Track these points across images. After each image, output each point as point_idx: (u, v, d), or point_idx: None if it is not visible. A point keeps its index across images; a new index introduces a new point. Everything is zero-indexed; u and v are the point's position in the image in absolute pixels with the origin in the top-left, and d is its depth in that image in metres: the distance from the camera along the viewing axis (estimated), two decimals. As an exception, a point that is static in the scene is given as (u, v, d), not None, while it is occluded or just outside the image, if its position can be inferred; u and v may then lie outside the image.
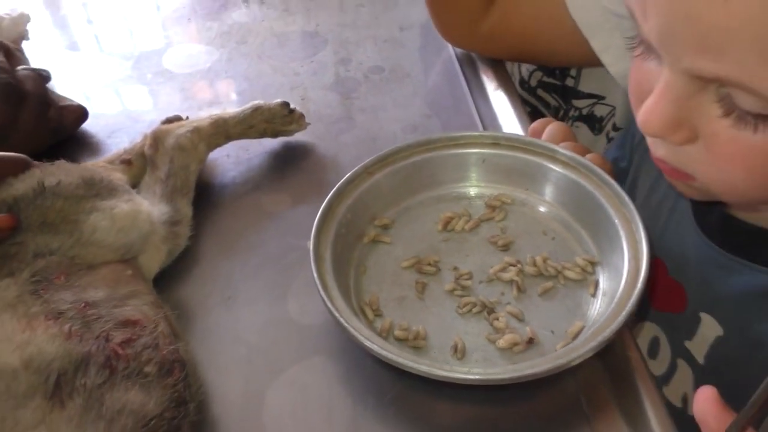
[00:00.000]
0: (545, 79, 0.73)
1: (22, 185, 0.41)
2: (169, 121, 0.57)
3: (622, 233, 0.43)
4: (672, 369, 0.52)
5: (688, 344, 0.50)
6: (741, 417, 0.29)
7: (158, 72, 0.69)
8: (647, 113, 0.38)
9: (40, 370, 0.31)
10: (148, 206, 0.45)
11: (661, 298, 0.53)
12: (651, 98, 0.37)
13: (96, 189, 0.42)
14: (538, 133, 0.52)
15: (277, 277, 0.48)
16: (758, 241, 0.45)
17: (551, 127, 0.52)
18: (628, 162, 0.60)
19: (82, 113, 0.60)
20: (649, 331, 0.54)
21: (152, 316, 0.37)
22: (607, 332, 0.37)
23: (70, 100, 0.60)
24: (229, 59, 0.70)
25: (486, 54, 0.66)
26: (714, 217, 0.47)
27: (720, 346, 0.47)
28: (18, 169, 0.42)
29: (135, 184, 0.50)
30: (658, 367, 0.53)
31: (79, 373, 0.32)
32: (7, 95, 0.53)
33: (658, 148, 0.41)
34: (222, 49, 0.71)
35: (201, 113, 0.58)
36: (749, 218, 0.46)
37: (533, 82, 0.75)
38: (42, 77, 0.57)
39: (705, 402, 0.32)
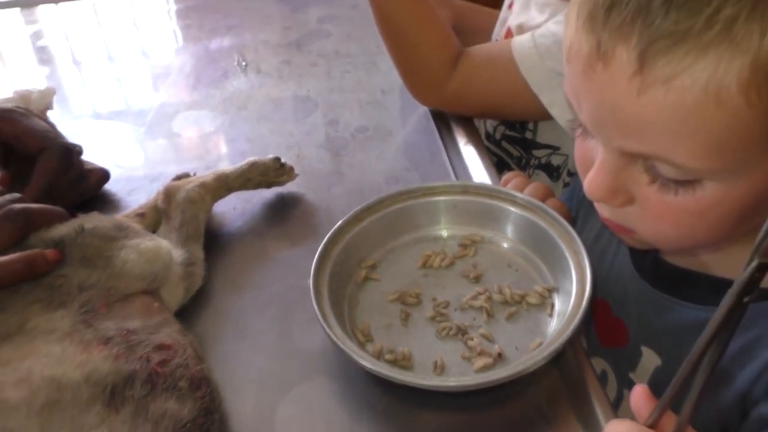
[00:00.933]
0: (508, 132, 0.82)
1: (65, 228, 0.48)
2: (178, 177, 0.65)
3: (571, 263, 0.51)
4: (619, 398, 0.58)
5: (631, 375, 0.56)
6: (662, 402, 0.36)
7: (169, 135, 0.77)
8: (590, 183, 0.45)
9: (98, 383, 0.38)
10: (167, 244, 0.52)
11: (606, 335, 0.60)
12: (592, 171, 0.45)
13: (125, 231, 0.50)
14: (506, 183, 0.61)
15: (281, 311, 0.55)
16: (684, 281, 0.52)
17: (519, 181, 0.61)
18: (575, 213, 0.67)
19: (104, 175, 0.68)
20: (597, 365, 0.60)
21: (181, 341, 0.45)
22: (557, 343, 0.45)
23: (93, 164, 0.68)
24: (232, 123, 0.79)
25: (454, 112, 0.75)
26: (648, 261, 0.55)
27: (659, 375, 0.53)
28: (60, 218, 0.50)
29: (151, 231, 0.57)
30: (608, 397, 0.60)
31: (127, 386, 0.39)
32: (63, 156, 0.61)
33: (603, 210, 0.49)
34: (225, 114, 0.80)
35: (209, 171, 0.66)
36: (677, 261, 0.53)
37: (498, 136, 0.84)
38: (77, 152, 0.65)
39: (638, 396, 0.38)
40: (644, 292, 0.55)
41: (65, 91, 0.87)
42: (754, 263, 0.27)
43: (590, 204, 0.61)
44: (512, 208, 0.56)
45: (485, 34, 0.90)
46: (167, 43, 0.98)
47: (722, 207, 0.42)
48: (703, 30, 0.36)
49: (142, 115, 0.81)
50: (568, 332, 0.45)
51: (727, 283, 0.49)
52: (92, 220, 0.50)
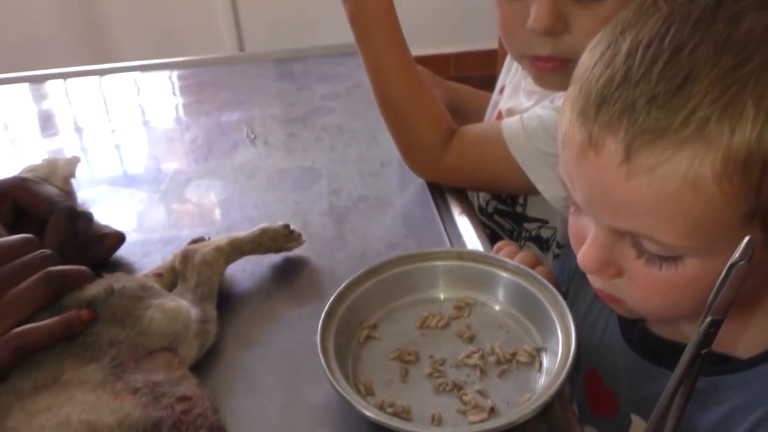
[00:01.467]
0: (499, 206, 0.88)
1: (95, 288, 0.52)
2: (194, 241, 0.69)
3: (557, 325, 0.56)
4: None
5: None
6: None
7: (182, 202, 0.82)
8: (583, 257, 0.50)
9: (131, 427, 0.42)
10: (187, 304, 0.57)
11: (597, 404, 0.64)
12: (585, 245, 0.50)
13: (150, 291, 0.55)
14: (499, 251, 0.66)
15: (289, 366, 0.59)
16: (670, 351, 0.56)
17: (510, 249, 0.66)
18: (567, 285, 0.72)
19: (119, 238, 0.73)
20: None
21: (200, 394, 0.49)
22: (545, 397, 0.49)
23: (110, 228, 0.73)
24: (241, 191, 0.84)
25: (448, 185, 0.81)
26: (636, 332, 0.59)
27: None
28: (88, 279, 0.55)
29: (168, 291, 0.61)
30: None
31: (156, 431, 0.43)
32: (70, 218, 0.65)
33: (595, 281, 0.54)
34: (235, 183, 0.86)
35: (221, 236, 0.71)
36: (663, 333, 0.58)
37: (490, 209, 0.90)
38: (86, 217, 0.68)
39: None
40: (633, 362, 0.59)
41: (84, 161, 0.93)
42: (708, 320, 0.32)
43: (582, 277, 0.67)
44: (503, 274, 0.62)
45: (478, 115, 0.98)
46: (181, 116, 1.04)
47: (702, 281, 0.46)
48: (680, 128, 0.41)
49: (156, 183, 0.86)
50: (555, 386, 0.50)
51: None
52: (119, 280, 0.54)
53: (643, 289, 0.50)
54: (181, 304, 0.56)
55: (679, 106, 0.41)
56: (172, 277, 0.65)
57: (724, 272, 0.35)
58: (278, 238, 0.70)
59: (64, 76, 1.19)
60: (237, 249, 0.68)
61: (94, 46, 2.74)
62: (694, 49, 0.41)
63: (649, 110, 0.42)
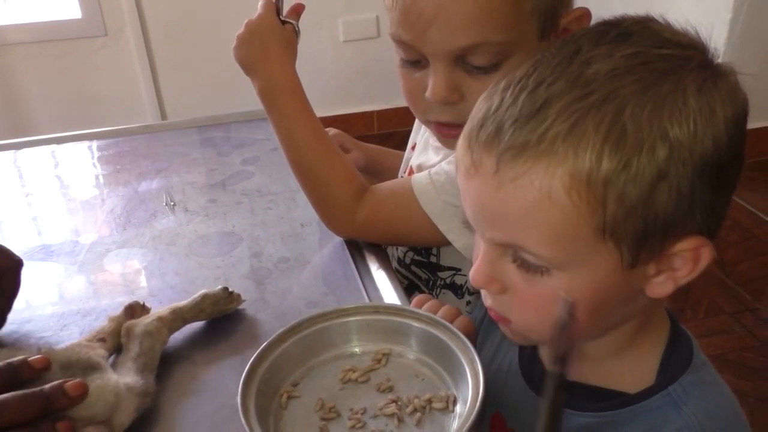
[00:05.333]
0: (416, 257, 0.92)
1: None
2: (130, 306, 0.70)
3: (467, 370, 0.59)
4: None
5: None
6: None
7: (101, 272, 0.82)
8: (473, 273, 0.55)
9: None
10: (116, 379, 0.57)
11: None
12: (476, 262, 0.55)
13: (70, 371, 0.55)
14: (418, 304, 0.69)
15: (212, 429, 0.60)
16: (568, 390, 0.58)
17: (431, 304, 0.69)
18: (478, 328, 0.74)
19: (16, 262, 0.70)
20: None
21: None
22: (456, 439, 0.52)
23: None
24: (162, 258, 0.85)
25: (364, 240, 0.85)
26: (536, 373, 0.62)
27: None
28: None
29: (111, 354, 0.64)
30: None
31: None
32: None
33: (486, 299, 0.57)
34: (155, 250, 0.86)
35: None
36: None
37: (407, 260, 0.93)
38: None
39: None
40: (533, 403, 0.60)
41: (-2, 235, 0.92)
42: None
43: (489, 322, 0.70)
44: (417, 324, 0.64)
45: (394, 173, 1.02)
46: (97, 187, 1.05)
47: (571, 295, 0.50)
48: (536, 144, 0.47)
49: (73, 255, 0.86)
50: (466, 427, 0.52)
51: (600, 391, 0.58)
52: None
53: (521, 303, 0.54)
54: (107, 383, 0.56)
55: (536, 126, 0.47)
56: (116, 341, 0.65)
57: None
58: (219, 302, 0.72)
59: (-23, 151, 1.17)
60: (179, 317, 0.69)
61: (10, 120, 2.69)
62: (551, 84, 0.49)
63: (514, 130, 0.48)
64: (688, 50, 0.50)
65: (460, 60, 0.73)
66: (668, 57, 0.49)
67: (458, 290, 0.88)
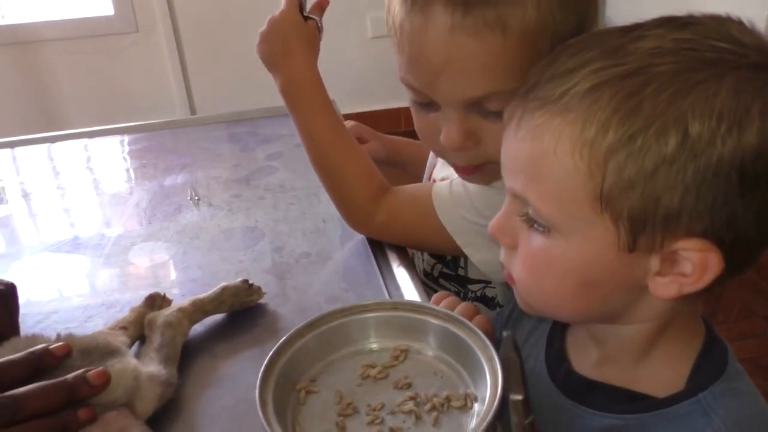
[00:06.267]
0: (444, 270, 0.90)
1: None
2: (151, 297, 0.70)
3: (486, 368, 0.58)
4: None
5: None
6: None
7: (125, 265, 0.84)
8: (491, 222, 0.56)
9: None
10: (135, 363, 0.58)
11: None
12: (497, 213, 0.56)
13: (91, 357, 0.56)
14: (437, 302, 0.69)
15: (231, 423, 0.60)
16: (590, 389, 0.59)
17: (449, 301, 0.69)
18: (509, 312, 0.74)
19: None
20: None
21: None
22: (472, 438, 0.51)
23: None
24: (185, 252, 0.86)
25: (383, 240, 0.84)
26: (561, 372, 0.62)
27: None
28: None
29: (133, 343, 0.66)
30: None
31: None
32: None
33: (502, 254, 0.58)
34: (178, 244, 0.87)
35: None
36: (582, 372, 0.61)
37: (435, 273, 0.92)
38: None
39: None
40: (557, 400, 0.61)
41: (27, 227, 0.94)
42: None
43: (516, 321, 0.70)
44: (435, 321, 0.64)
45: (417, 164, 1.00)
46: (124, 181, 1.06)
47: (563, 262, 0.52)
48: (556, 100, 0.48)
49: (99, 248, 0.87)
50: (482, 427, 0.52)
51: (624, 392, 0.57)
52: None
53: (521, 260, 0.55)
54: (126, 366, 0.57)
55: (561, 84, 0.49)
56: (137, 330, 0.66)
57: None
58: (239, 294, 0.72)
59: (12, 144, 1.19)
60: (199, 309, 0.70)
61: (44, 114, 2.74)
62: (593, 49, 0.50)
63: (545, 85, 0.50)
64: (746, 49, 0.48)
65: (474, 105, 0.68)
66: (720, 49, 0.47)
67: (490, 302, 0.87)
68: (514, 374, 0.49)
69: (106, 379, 0.52)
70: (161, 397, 0.59)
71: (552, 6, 0.63)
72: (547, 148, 0.49)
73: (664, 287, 0.51)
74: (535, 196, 0.51)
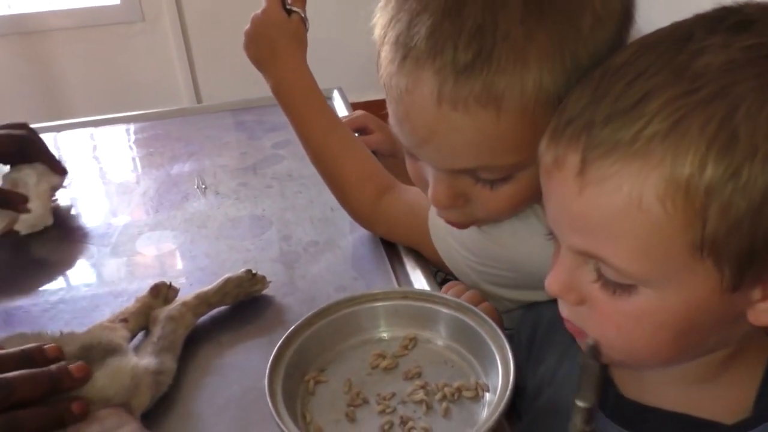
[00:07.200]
0: (448, 277, 0.87)
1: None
2: (156, 287, 0.70)
3: (497, 357, 0.57)
4: None
5: None
6: None
7: (132, 254, 0.83)
8: (549, 278, 0.50)
9: None
10: (135, 362, 0.57)
11: None
12: (553, 269, 0.50)
13: (92, 354, 0.55)
14: (447, 291, 0.67)
15: (239, 412, 0.60)
16: (641, 415, 0.55)
17: (457, 289, 0.68)
18: (530, 342, 0.68)
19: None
20: None
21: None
22: (483, 428, 0.50)
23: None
24: (192, 241, 0.85)
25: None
26: (610, 395, 0.56)
27: None
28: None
29: (134, 335, 0.65)
30: None
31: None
32: None
33: (562, 309, 0.51)
34: (186, 233, 0.86)
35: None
36: (634, 397, 0.55)
37: (438, 279, 0.90)
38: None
39: None
40: (603, 426, 0.56)
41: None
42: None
43: (551, 326, 0.65)
44: (445, 310, 0.63)
45: None
46: (130, 170, 1.05)
47: (657, 315, 0.46)
48: (629, 143, 0.42)
49: (106, 237, 0.87)
50: (494, 417, 0.51)
51: (689, 419, 0.52)
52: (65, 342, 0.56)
53: (600, 318, 0.48)
54: (125, 365, 0.57)
55: (630, 123, 0.42)
56: (138, 322, 0.66)
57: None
58: (243, 284, 0.72)
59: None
60: (203, 302, 0.69)
61: (50, 103, 2.74)
62: (653, 75, 0.43)
63: (606, 124, 0.43)
64: None
65: (463, 172, 0.59)
66: None
67: None
68: (589, 381, 0.44)
69: (85, 374, 0.54)
70: (152, 387, 0.59)
71: (556, 75, 0.52)
72: (627, 202, 0.42)
73: (766, 314, 0.46)
74: (615, 255, 0.44)
